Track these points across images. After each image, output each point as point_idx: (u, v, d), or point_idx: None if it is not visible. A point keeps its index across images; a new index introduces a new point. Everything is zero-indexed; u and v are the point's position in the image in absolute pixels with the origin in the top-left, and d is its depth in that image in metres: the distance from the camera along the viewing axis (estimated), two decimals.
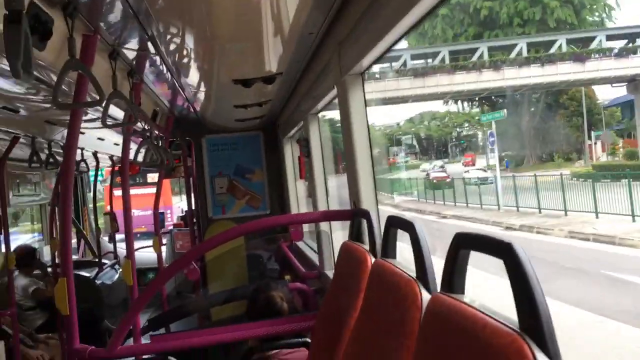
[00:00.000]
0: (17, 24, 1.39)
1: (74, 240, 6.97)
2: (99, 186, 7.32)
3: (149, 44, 2.40)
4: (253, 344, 2.60)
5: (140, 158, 4.37)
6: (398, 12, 1.71)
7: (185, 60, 2.76)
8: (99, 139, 4.81)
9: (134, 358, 2.96)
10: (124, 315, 2.97)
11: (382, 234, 1.87)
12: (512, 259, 0.95)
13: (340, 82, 2.42)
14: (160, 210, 4.87)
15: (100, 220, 7.53)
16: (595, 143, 37.37)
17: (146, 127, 3.50)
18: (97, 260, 6.57)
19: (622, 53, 34.99)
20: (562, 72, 34.65)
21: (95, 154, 5.81)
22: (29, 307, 5.05)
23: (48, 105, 3.02)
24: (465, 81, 35.72)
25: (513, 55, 35.69)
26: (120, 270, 6.45)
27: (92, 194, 7.18)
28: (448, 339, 1.10)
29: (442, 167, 43.26)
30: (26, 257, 5.13)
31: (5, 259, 4.55)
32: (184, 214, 8.35)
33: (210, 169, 5.33)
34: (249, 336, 2.62)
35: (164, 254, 4.95)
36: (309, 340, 2.47)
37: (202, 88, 3.47)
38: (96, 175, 7.06)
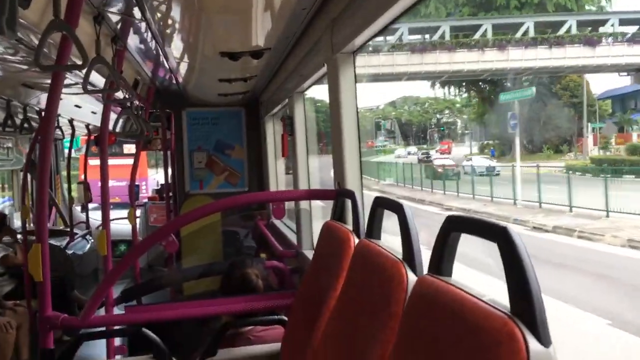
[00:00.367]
0: None
1: None
2: (73, 154, 7.15)
3: (136, 9, 2.33)
4: (227, 319, 2.59)
5: (118, 128, 4.28)
6: None
7: (171, 29, 2.69)
8: (76, 106, 4.69)
9: (105, 328, 2.92)
10: (97, 285, 2.92)
11: (365, 215, 1.85)
12: (506, 242, 0.95)
13: (331, 61, 2.38)
14: (136, 183, 4.81)
15: (73, 190, 7.40)
16: (587, 136, 36.19)
17: (127, 96, 3.42)
18: (68, 229, 6.48)
19: (635, 39, 32.72)
20: (571, 55, 32.20)
21: (71, 121, 5.68)
22: None
23: (25, 67, 2.93)
24: (466, 60, 32.87)
25: (519, 35, 33.27)
26: (92, 240, 6.38)
27: (66, 162, 7.05)
28: (434, 320, 1.09)
29: (426, 153, 41.67)
30: None
31: None
32: (159, 187, 8.23)
33: (190, 143, 5.26)
34: (224, 311, 2.61)
35: (137, 227, 4.89)
36: (284, 317, 2.46)
37: (187, 59, 3.39)
38: (71, 143, 6.92)
